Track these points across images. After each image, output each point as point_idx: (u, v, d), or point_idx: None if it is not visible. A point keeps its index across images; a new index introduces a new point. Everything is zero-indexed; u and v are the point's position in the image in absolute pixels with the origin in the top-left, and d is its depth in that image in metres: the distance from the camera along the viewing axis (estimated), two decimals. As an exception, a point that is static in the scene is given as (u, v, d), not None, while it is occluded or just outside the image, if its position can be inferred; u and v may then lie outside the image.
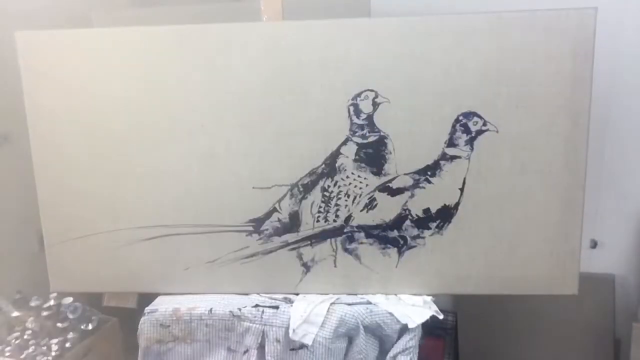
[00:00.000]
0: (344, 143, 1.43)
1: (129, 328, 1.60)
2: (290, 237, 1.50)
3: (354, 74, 1.39)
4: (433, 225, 1.46)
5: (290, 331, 1.39)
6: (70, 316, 1.73)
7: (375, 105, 1.40)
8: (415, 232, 1.47)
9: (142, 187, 1.50)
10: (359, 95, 1.40)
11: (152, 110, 1.46)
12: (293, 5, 1.53)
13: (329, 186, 1.46)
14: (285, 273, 1.52)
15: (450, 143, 1.41)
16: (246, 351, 1.46)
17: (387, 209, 1.46)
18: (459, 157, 1.41)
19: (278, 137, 1.44)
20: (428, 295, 1.50)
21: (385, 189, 1.45)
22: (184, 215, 1.51)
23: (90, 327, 1.76)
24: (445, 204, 1.44)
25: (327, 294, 1.51)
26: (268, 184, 1.47)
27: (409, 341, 1.41)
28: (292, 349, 1.42)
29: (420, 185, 1.44)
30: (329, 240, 1.50)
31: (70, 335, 1.70)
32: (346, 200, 1.47)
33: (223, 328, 1.47)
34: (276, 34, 1.40)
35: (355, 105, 1.41)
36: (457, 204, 1.44)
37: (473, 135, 1.40)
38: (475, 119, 1.39)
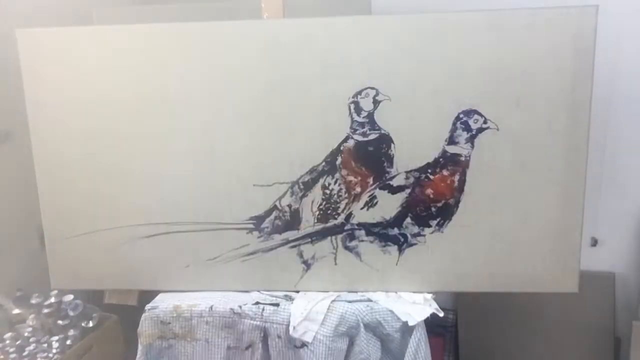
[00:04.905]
0: (345, 141, 1.44)
1: (130, 325, 1.60)
2: (290, 234, 1.51)
3: (355, 71, 1.39)
4: (433, 223, 1.46)
5: (291, 328, 1.39)
6: (71, 313, 1.73)
7: (376, 103, 1.40)
8: (415, 229, 1.47)
9: (143, 185, 1.50)
10: (359, 93, 1.40)
11: (152, 107, 1.46)
12: (294, 3, 1.53)
13: (329, 184, 1.47)
14: (285, 270, 1.52)
15: (451, 141, 1.41)
16: (248, 346, 1.46)
17: (388, 206, 1.46)
18: (460, 154, 1.41)
19: (278, 134, 1.44)
20: (428, 292, 1.50)
21: (385, 186, 1.45)
22: (184, 213, 1.51)
23: (91, 324, 1.77)
24: (445, 202, 1.44)
25: (328, 291, 1.51)
26: (269, 181, 1.47)
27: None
28: (294, 347, 1.42)
29: (421, 183, 1.44)
30: (329, 237, 1.50)
31: (71, 332, 1.70)
32: (347, 198, 1.47)
33: (223, 325, 1.47)
34: (277, 32, 1.40)
35: (356, 103, 1.41)
36: (458, 201, 1.44)
37: (474, 133, 1.40)
38: (476, 116, 1.39)
